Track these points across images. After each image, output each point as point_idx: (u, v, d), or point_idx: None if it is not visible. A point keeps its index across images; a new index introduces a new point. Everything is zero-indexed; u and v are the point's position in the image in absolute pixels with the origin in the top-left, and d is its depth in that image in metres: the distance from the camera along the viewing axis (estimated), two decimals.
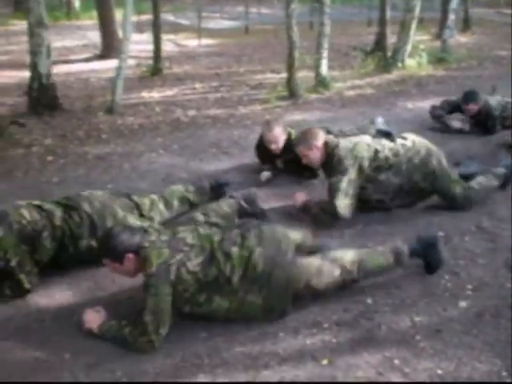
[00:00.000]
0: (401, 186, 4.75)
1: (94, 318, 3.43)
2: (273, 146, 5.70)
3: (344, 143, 4.71)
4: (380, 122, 6.64)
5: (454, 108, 7.18)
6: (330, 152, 4.69)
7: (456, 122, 7.07)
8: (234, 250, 3.41)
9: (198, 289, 3.33)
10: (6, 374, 3.13)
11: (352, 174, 4.59)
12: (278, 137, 5.63)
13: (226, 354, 3.24)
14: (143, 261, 3.30)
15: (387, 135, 5.75)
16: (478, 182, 5.02)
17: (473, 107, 6.90)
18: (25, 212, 3.94)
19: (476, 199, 4.94)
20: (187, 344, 3.33)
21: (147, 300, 3.23)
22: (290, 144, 5.55)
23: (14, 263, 3.80)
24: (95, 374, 3.12)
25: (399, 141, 4.85)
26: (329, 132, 6.22)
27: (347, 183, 4.57)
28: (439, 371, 3.04)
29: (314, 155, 4.78)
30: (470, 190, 4.91)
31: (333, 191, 4.60)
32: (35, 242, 3.92)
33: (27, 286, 3.85)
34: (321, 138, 4.75)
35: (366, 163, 4.64)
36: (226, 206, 4.48)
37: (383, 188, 4.75)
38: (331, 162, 4.68)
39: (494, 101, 6.96)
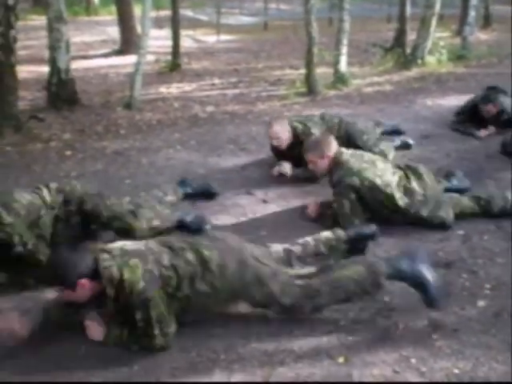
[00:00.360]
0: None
1: (95, 331, 3.32)
2: (274, 143, 5.70)
3: (353, 162, 4.55)
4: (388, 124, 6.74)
5: (472, 110, 6.93)
6: (334, 166, 4.58)
7: (480, 131, 6.79)
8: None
9: (178, 281, 3.28)
10: None
11: (351, 195, 4.47)
12: (278, 133, 5.60)
13: (242, 350, 3.24)
14: (110, 282, 3.15)
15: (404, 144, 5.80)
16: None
17: (491, 109, 6.74)
18: (18, 196, 4.02)
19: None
20: (203, 340, 3.33)
21: (149, 315, 3.13)
22: (296, 139, 5.57)
23: (30, 246, 3.89)
24: (112, 368, 3.13)
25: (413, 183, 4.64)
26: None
27: (349, 207, 4.48)
28: (456, 371, 3.01)
29: (323, 164, 4.64)
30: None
31: (340, 217, 4.50)
32: (37, 221, 4.01)
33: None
34: (333, 149, 4.62)
35: (364, 190, 4.49)
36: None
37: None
38: (333, 177, 4.59)
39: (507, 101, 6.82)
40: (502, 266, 4.02)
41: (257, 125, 7.56)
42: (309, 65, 9.20)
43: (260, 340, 3.31)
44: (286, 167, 5.59)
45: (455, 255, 4.16)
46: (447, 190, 4.93)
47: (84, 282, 3.14)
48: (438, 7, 10.99)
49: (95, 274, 3.18)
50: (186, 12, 18.73)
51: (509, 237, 4.40)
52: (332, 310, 3.52)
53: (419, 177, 4.68)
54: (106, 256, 3.23)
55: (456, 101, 7.79)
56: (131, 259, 3.20)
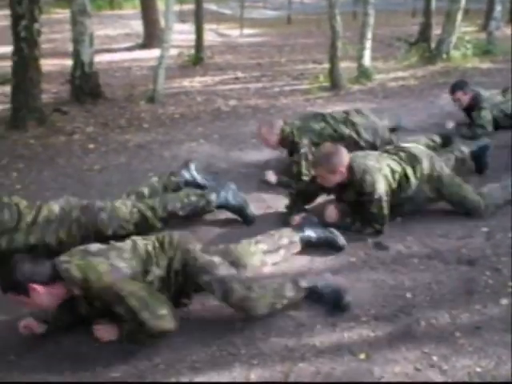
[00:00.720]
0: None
1: (106, 332, 3.29)
2: (264, 144, 5.70)
3: (370, 163, 4.38)
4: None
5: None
6: (357, 178, 4.31)
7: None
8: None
9: (143, 269, 3.29)
10: None
11: (384, 195, 4.34)
12: (265, 135, 5.54)
13: (262, 344, 3.23)
14: (73, 282, 3.11)
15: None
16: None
17: (461, 96, 6.53)
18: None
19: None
20: (223, 333, 3.33)
21: (129, 304, 3.07)
22: (287, 141, 5.50)
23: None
24: (134, 361, 3.14)
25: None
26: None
27: (386, 206, 4.37)
28: (478, 369, 2.98)
29: (335, 179, 4.35)
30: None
31: (379, 219, 4.37)
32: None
33: None
34: (346, 161, 4.31)
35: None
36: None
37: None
38: (358, 186, 4.33)
39: (492, 98, 6.61)
40: None
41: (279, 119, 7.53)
42: (332, 59, 9.15)
43: (280, 335, 3.31)
44: (271, 176, 5.52)
45: (479, 252, 4.12)
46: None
47: (35, 286, 3.06)
48: (463, 1, 10.85)
49: (55, 278, 3.13)
50: (210, 6, 18.75)
51: None
52: (354, 305, 3.51)
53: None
54: (64, 258, 3.21)
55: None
56: (92, 257, 3.20)
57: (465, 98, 6.53)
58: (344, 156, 4.33)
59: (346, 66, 9.69)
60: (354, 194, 4.40)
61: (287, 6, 17.98)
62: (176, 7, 11.36)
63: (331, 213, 4.56)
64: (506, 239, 4.29)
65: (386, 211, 4.35)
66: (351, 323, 3.38)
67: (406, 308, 3.50)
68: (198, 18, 11.58)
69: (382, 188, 4.30)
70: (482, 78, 9.56)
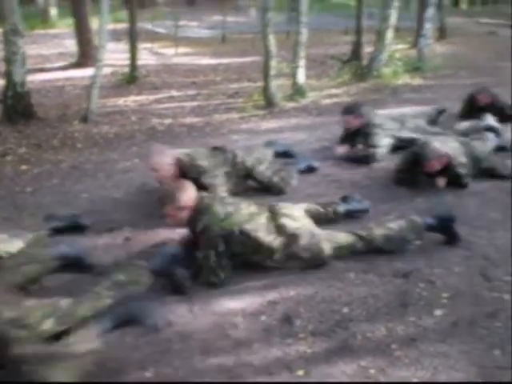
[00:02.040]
0: None
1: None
2: (154, 175, 5.24)
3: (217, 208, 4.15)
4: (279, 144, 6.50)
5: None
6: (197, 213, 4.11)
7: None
8: None
9: None
10: None
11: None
12: (156, 165, 5.08)
13: (201, 365, 3.20)
14: None
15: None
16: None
17: (351, 120, 6.40)
18: None
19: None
20: (161, 355, 3.28)
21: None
22: (182, 171, 5.09)
23: None
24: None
25: None
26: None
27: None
28: (415, 380, 3.03)
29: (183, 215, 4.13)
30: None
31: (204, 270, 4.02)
32: None
33: None
34: (192, 197, 4.13)
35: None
36: None
37: None
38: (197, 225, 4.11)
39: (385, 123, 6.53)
40: (459, 275, 4.06)
41: (214, 137, 7.53)
42: (266, 77, 9.23)
43: (218, 354, 3.28)
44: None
45: (412, 265, 4.18)
46: (348, 212, 4.87)
47: None
48: (393, 20, 11.13)
49: None
50: (145, 25, 18.66)
51: (465, 245, 4.45)
52: (291, 322, 3.52)
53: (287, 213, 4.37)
54: None
55: (411, 111, 7.89)
56: None
57: (355, 122, 6.41)
58: (190, 191, 4.15)
59: (280, 83, 9.77)
60: None
61: (221, 25, 18.06)
62: (110, 26, 11.25)
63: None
64: (438, 252, 4.38)
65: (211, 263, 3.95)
66: (288, 340, 3.38)
67: (343, 322, 3.53)
68: (132, 37, 11.53)
69: None
70: (411, 95, 9.82)
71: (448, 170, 5.47)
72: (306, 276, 4.08)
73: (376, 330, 3.44)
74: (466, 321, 3.52)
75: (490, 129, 6.67)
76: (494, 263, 4.20)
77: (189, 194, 4.12)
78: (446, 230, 4.48)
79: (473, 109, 7.49)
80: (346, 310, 3.67)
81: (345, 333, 3.43)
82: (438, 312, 3.62)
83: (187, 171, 5.05)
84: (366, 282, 3.99)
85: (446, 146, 5.53)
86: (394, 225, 4.45)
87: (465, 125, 6.93)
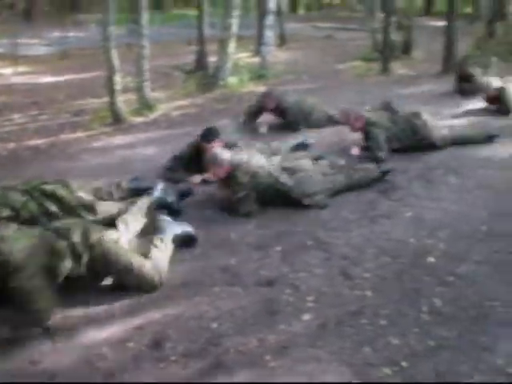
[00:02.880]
0: None
1: None
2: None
3: None
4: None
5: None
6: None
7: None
8: None
9: None
10: None
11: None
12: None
13: None
14: None
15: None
16: None
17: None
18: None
19: None
20: None
21: None
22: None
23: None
24: None
25: None
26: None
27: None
28: None
29: None
30: None
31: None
32: None
33: None
34: None
35: None
36: None
37: None
38: None
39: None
40: (321, 276, 4.13)
41: (62, 159, 7.16)
42: (111, 93, 8.99)
43: None
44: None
45: (276, 272, 4.21)
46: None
47: None
48: (234, 29, 11.24)
49: None
50: None
51: (323, 247, 4.54)
52: (161, 346, 3.41)
53: None
54: None
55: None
56: None
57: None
58: None
59: (126, 98, 9.56)
60: None
61: (60, 40, 17.49)
62: None
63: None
64: (299, 255, 4.44)
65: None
66: (161, 364, 3.27)
67: (214, 339, 3.47)
68: None
69: None
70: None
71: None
72: (172, 294, 3.98)
73: (248, 343, 3.41)
74: (333, 322, 3.59)
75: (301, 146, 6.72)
76: (353, 262, 4.32)
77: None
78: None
79: (260, 112, 8.21)
80: (215, 325, 3.61)
81: (217, 349, 3.37)
82: (305, 316, 3.66)
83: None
84: (232, 294, 3.96)
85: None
86: None
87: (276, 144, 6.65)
